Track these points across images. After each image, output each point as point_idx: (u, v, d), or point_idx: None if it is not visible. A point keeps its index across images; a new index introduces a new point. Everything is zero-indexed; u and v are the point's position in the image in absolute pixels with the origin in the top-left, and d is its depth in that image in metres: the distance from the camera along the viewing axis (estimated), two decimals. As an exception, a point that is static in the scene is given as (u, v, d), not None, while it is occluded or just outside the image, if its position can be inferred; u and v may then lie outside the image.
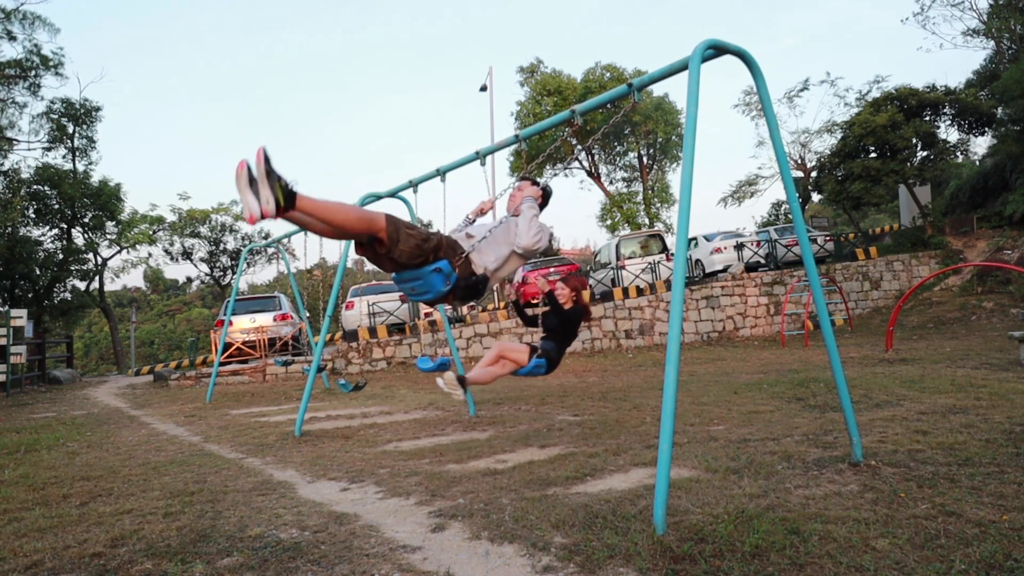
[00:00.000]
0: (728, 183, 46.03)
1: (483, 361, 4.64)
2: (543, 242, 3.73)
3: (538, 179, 4.28)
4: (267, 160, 2.53)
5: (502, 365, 4.55)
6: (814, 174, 21.87)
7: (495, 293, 23.34)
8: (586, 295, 4.93)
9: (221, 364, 12.53)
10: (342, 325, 17.67)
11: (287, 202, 2.58)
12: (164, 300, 62.04)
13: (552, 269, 17.69)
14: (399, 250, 3.02)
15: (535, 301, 16.60)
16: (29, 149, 21.73)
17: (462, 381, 4.19)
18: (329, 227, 2.84)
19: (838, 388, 3.87)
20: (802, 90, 25.21)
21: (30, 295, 19.75)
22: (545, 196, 4.15)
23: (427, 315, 16.28)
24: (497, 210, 4.50)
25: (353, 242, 3.16)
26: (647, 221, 25.40)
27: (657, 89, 26.46)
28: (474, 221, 4.29)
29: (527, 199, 3.90)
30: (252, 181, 2.54)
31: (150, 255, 25.87)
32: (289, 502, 3.77)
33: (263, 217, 2.55)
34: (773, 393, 6.74)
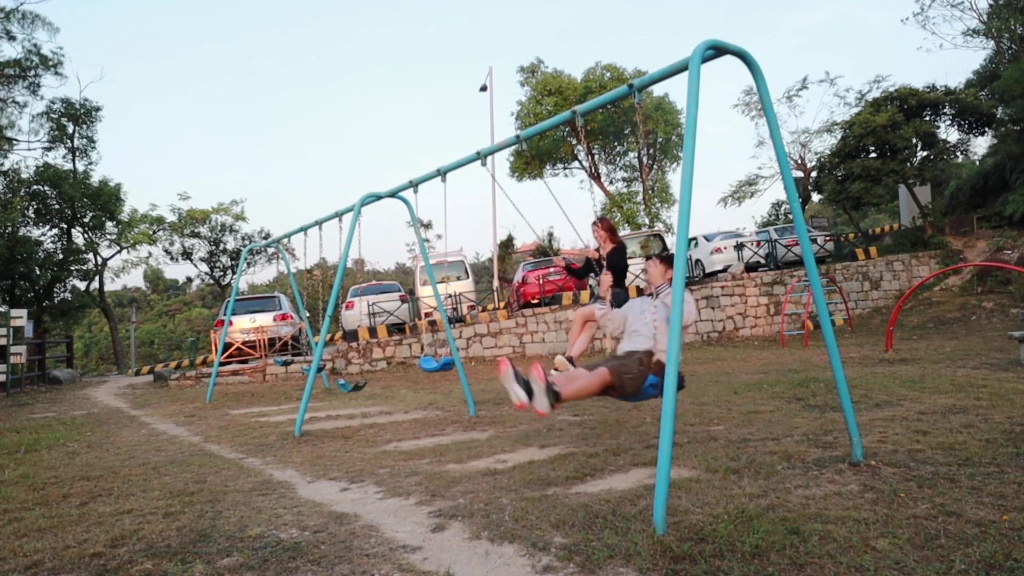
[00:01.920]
0: (728, 183, 46.03)
1: (571, 340, 5.04)
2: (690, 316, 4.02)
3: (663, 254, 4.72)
4: (548, 381, 3.46)
5: (587, 335, 4.93)
6: (814, 174, 21.87)
7: (496, 293, 23.33)
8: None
9: (221, 364, 12.53)
10: (342, 325, 17.68)
11: (555, 402, 3.49)
12: (164, 300, 62.03)
13: (552, 269, 17.71)
14: (626, 392, 3.86)
15: (535, 301, 16.62)
16: (29, 149, 21.74)
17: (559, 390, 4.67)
18: (583, 397, 3.87)
19: (838, 388, 3.87)
20: (801, 89, 25.23)
21: (30, 295, 19.74)
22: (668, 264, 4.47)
23: (427, 315, 16.29)
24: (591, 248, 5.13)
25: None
26: (647, 221, 25.39)
27: (657, 89, 26.48)
28: (603, 298, 4.74)
29: (663, 287, 4.30)
30: (518, 377, 3.46)
31: (150, 255, 25.86)
32: (289, 502, 3.77)
33: (535, 411, 3.48)
34: (773, 393, 6.74)
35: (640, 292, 16.01)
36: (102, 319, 42.57)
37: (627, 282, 5.48)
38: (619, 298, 4.92)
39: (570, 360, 4.79)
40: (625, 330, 4.35)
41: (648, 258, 4.82)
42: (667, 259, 4.47)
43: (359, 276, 17.24)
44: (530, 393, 3.43)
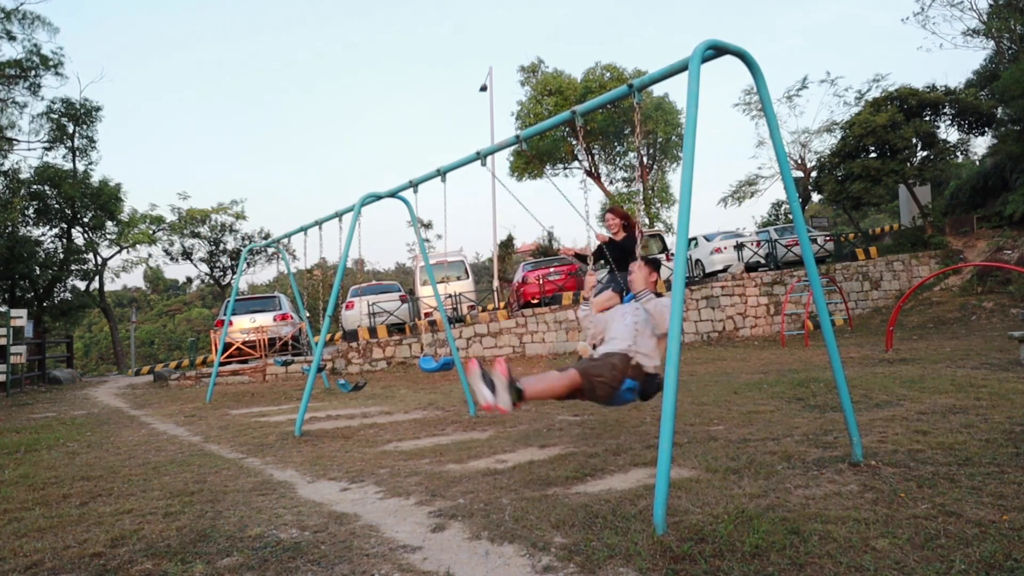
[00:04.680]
0: (728, 183, 46.05)
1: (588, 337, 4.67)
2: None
3: (648, 257, 4.50)
4: (511, 377, 3.28)
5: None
6: (814, 174, 21.87)
7: (496, 293, 23.33)
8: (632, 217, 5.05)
9: (221, 364, 12.52)
10: (342, 325, 17.68)
11: (517, 399, 3.29)
12: (164, 300, 62.03)
13: (552, 269, 17.71)
14: (597, 396, 3.68)
15: (535, 301, 16.61)
16: (29, 149, 21.75)
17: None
18: (548, 390, 3.61)
19: (838, 388, 3.87)
20: (801, 89, 25.20)
21: (30, 295, 19.74)
22: (655, 268, 4.35)
23: (427, 315, 16.29)
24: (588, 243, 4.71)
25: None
26: (647, 221, 25.40)
27: (657, 89, 26.48)
28: (587, 299, 4.54)
29: (644, 292, 4.08)
30: (484, 376, 3.27)
31: (150, 255, 25.87)
32: (289, 502, 3.77)
33: (497, 409, 3.26)
34: (773, 393, 6.74)
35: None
36: (102, 319, 42.57)
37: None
38: (619, 283, 4.80)
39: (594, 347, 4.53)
40: (605, 335, 4.17)
41: (637, 259, 4.84)
42: (652, 263, 4.33)
43: (359, 276, 17.24)
44: (493, 389, 3.21)
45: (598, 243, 5.44)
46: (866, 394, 6.08)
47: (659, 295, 4.09)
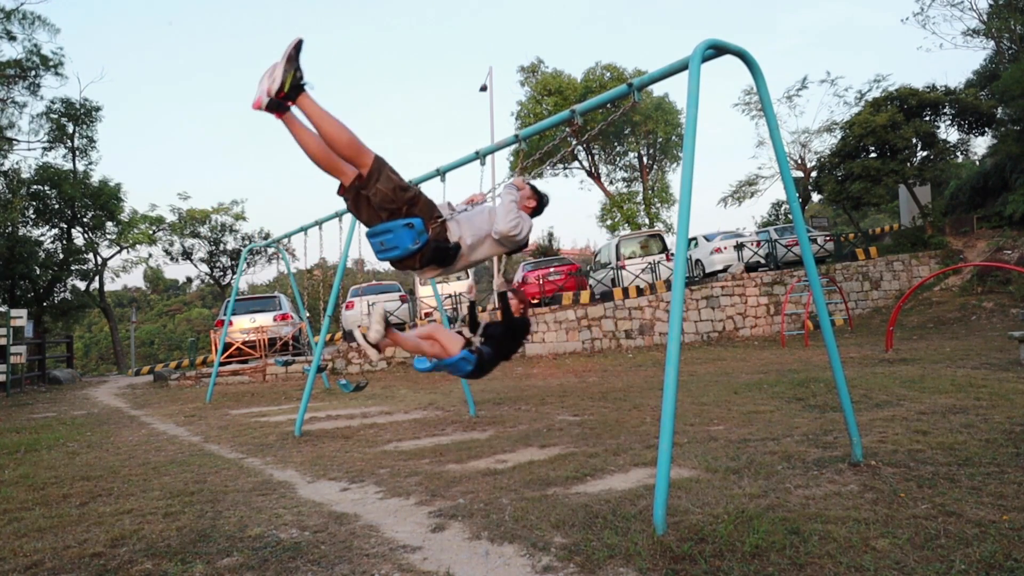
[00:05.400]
0: (728, 183, 46.05)
1: (415, 332, 4.29)
2: (521, 231, 3.51)
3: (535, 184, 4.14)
4: (298, 49, 2.53)
5: (430, 344, 4.22)
6: (814, 174, 21.87)
7: (496, 293, 23.34)
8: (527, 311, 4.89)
9: (221, 364, 12.52)
10: (342, 325, 17.68)
11: (291, 92, 2.55)
12: (164, 300, 62.00)
13: (552, 269, 17.71)
14: (376, 188, 2.91)
15: (535, 301, 16.62)
16: (29, 149, 21.73)
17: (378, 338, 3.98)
18: (316, 139, 2.80)
19: (838, 388, 3.87)
20: (800, 89, 25.16)
21: (30, 295, 19.73)
22: (539, 199, 3.97)
23: (427, 315, 16.29)
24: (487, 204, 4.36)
25: (341, 195, 3.08)
26: (647, 221, 25.39)
27: (657, 89, 26.47)
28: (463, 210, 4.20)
29: (509, 186, 3.72)
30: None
31: (150, 255, 25.85)
32: (289, 502, 3.77)
33: (268, 96, 2.52)
34: (773, 393, 6.74)
35: (640, 292, 16.02)
36: (102, 319, 42.53)
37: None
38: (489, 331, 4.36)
39: (376, 347, 3.95)
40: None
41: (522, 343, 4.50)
42: (540, 198, 3.92)
43: (359, 276, 17.22)
44: None
45: (471, 299, 5.11)
46: (866, 394, 6.08)
47: (529, 215, 3.65)
